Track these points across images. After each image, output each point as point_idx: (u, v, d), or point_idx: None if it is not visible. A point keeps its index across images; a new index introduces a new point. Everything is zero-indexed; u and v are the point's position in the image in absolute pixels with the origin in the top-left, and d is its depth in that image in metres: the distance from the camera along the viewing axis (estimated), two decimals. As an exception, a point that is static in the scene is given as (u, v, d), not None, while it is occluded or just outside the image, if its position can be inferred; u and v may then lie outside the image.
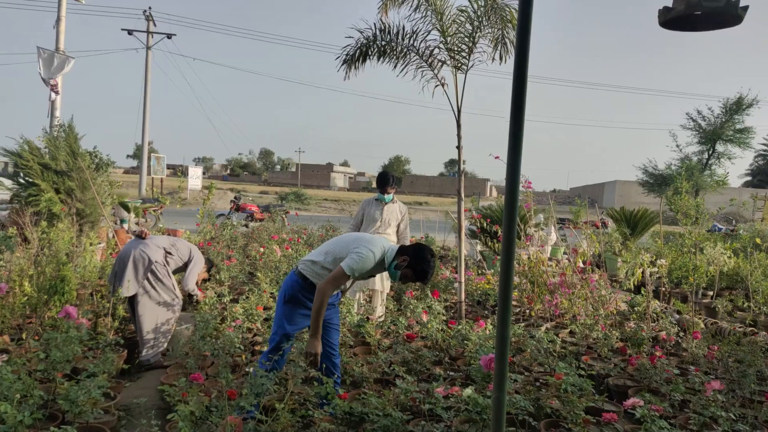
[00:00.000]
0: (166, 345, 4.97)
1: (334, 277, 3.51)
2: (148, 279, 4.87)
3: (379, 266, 3.65)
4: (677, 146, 39.13)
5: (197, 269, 5.30)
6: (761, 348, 4.94)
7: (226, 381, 3.36)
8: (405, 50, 6.18)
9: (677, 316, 6.68)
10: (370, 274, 3.75)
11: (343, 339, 4.77)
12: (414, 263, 3.56)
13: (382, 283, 6.04)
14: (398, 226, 6.14)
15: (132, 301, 4.90)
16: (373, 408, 3.28)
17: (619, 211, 12.86)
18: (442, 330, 5.22)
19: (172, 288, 5.00)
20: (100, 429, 3.34)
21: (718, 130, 36.88)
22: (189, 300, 5.52)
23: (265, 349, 3.95)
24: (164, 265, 5.00)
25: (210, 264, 5.82)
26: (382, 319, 5.86)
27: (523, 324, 5.97)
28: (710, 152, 38.08)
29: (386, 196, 6.02)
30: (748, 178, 61.76)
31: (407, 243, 6.09)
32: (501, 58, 6.16)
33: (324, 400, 3.54)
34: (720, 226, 20.01)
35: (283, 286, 3.81)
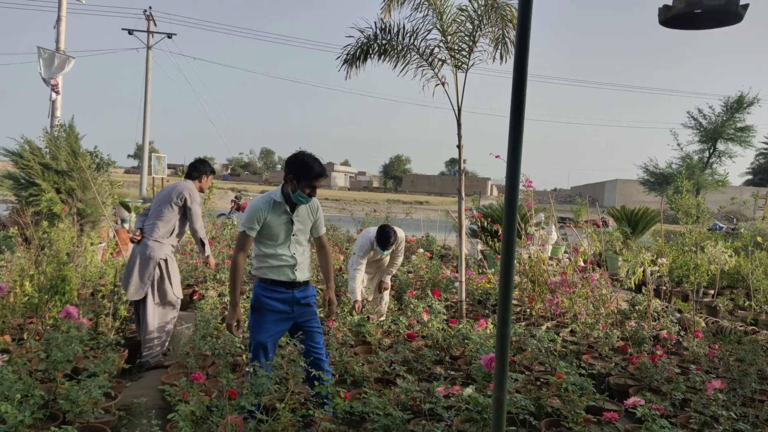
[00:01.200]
0: (167, 344, 4.98)
1: (237, 242, 3.69)
2: (153, 279, 4.87)
3: (278, 207, 3.62)
4: (678, 145, 39.08)
5: (197, 208, 5.06)
6: (762, 347, 4.94)
7: (226, 381, 3.35)
8: (405, 49, 6.18)
9: (678, 315, 6.68)
10: (283, 223, 3.65)
11: (343, 338, 4.77)
12: (298, 174, 3.56)
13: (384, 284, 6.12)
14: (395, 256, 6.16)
15: (137, 301, 4.90)
16: (374, 407, 3.28)
17: (620, 210, 12.84)
18: (442, 329, 5.21)
19: (177, 285, 5.02)
20: (101, 429, 3.34)
21: (719, 129, 36.82)
22: (204, 263, 5.46)
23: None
24: (170, 260, 5.00)
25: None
26: (383, 319, 5.88)
27: (523, 323, 5.97)
28: (711, 151, 38.03)
29: (384, 251, 5.88)
30: (749, 177, 61.69)
31: (395, 267, 6.21)
32: (501, 58, 6.16)
33: (325, 400, 3.54)
34: (721, 225, 20.00)
35: (252, 293, 3.82)
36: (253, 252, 3.80)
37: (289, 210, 3.66)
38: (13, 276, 5.09)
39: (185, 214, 5.02)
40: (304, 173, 3.56)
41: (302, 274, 3.75)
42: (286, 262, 3.69)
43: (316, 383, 3.54)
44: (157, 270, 4.88)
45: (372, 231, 5.87)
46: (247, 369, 3.55)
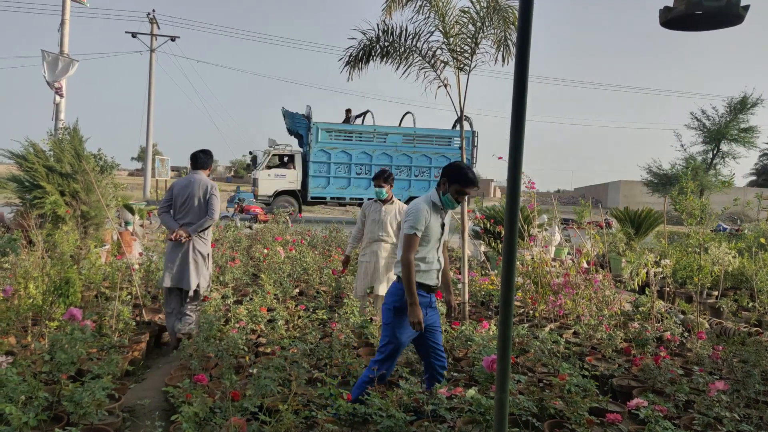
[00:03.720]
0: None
1: (403, 244, 3.67)
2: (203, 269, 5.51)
3: (436, 210, 3.77)
4: (682, 146, 38.95)
5: (217, 197, 5.56)
6: (766, 348, 4.91)
7: (230, 382, 3.36)
8: (408, 51, 6.19)
9: (682, 317, 6.66)
10: (438, 226, 3.81)
11: (346, 340, 4.78)
12: (452, 178, 3.68)
13: (386, 285, 6.04)
14: (399, 228, 6.08)
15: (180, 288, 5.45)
16: (377, 409, 3.29)
17: (623, 211, 12.80)
18: (445, 331, 5.21)
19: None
20: (105, 430, 3.35)
21: (723, 130, 36.70)
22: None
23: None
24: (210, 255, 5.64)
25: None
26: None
27: (526, 325, 5.96)
28: (715, 152, 37.91)
29: (380, 190, 5.85)
30: (753, 178, 61.50)
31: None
32: (504, 60, 6.17)
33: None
34: (725, 226, 19.93)
35: (388, 296, 3.92)
36: (396, 267, 3.87)
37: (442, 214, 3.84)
38: (18, 278, 5.11)
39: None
40: (458, 177, 3.69)
41: (440, 279, 3.97)
42: (434, 266, 3.86)
43: (319, 384, 3.55)
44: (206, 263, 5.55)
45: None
46: (373, 368, 3.73)
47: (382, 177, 5.87)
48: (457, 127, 21.47)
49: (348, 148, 21.12)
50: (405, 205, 6.13)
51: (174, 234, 5.33)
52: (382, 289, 6.02)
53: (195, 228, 5.38)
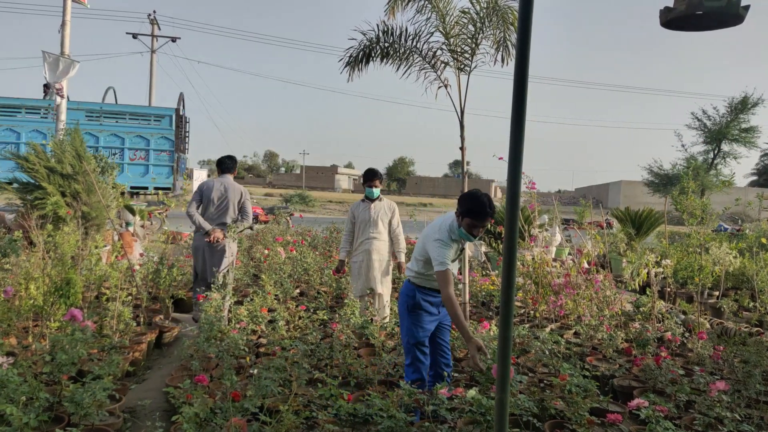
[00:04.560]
0: None
1: (441, 281, 3.62)
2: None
3: (456, 241, 3.74)
4: (682, 146, 39.04)
5: (250, 201, 6.44)
6: (767, 348, 4.91)
7: (230, 383, 3.36)
8: (408, 52, 6.19)
9: (682, 317, 6.66)
10: (457, 255, 3.83)
11: (347, 340, 4.78)
12: (466, 211, 3.59)
13: (383, 285, 6.05)
14: (390, 224, 6.09)
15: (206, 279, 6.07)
16: (377, 409, 3.28)
17: (624, 212, 12.81)
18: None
19: None
20: (105, 431, 3.36)
21: (724, 130, 36.72)
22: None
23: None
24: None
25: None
26: (387, 320, 5.86)
27: (527, 325, 5.95)
28: (716, 152, 37.92)
29: (374, 189, 5.96)
30: (754, 178, 61.48)
31: (401, 242, 6.11)
32: (503, 60, 6.17)
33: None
34: (726, 226, 19.94)
35: (402, 297, 3.95)
36: (415, 266, 3.91)
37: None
38: (19, 279, 5.11)
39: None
40: (469, 210, 3.60)
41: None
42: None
43: (319, 385, 3.56)
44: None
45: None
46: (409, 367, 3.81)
47: (377, 177, 5.93)
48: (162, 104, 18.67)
49: (15, 125, 17.05)
50: (392, 202, 6.16)
51: (212, 236, 5.96)
52: (380, 287, 6.03)
53: (234, 229, 6.04)
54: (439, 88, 6.24)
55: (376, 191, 5.99)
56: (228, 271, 6.08)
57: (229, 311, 5.82)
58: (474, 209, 3.57)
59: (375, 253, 5.97)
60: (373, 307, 5.91)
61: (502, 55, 6.15)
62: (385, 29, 6.09)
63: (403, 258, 6.15)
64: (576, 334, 5.94)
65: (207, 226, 6.01)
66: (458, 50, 6.06)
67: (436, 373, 3.96)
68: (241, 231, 6.12)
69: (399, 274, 6.22)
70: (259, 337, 5.32)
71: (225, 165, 6.34)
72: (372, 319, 5.61)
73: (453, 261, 3.77)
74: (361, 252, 6.01)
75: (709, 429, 3.47)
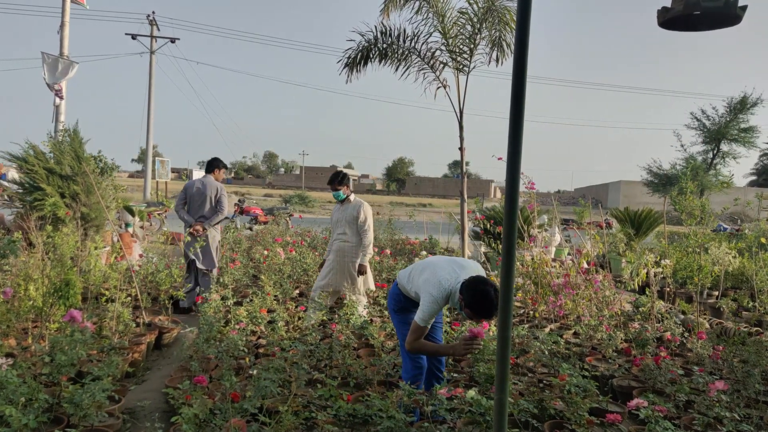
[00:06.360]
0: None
1: (412, 331, 3.53)
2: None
3: (449, 306, 3.62)
4: (682, 146, 39.03)
5: (226, 196, 7.18)
6: (766, 348, 4.91)
7: (229, 384, 3.36)
8: (406, 52, 6.20)
9: (682, 317, 6.66)
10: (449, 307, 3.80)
11: (346, 341, 4.78)
12: (470, 303, 3.31)
13: (348, 284, 6.06)
14: (357, 224, 6.06)
15: (198, 268, 6.92)
16: (377, 410, 3.29)
17: (624, 212, 12.81)
18: (445, 332, 5.21)
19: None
20: (105, 432, 3.35)
21: (723, 130, 36.73)
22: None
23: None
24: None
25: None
26: (363, 318, 5.66)
27: (527, 325, 5.96)
28: (715, 152, 37.94)
29: (338, 192, 6.05)
30: (753, 178, 61.51)
31: (364, 241, 6.04)
32: (497, 60, 6.17)
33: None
34: (725, 226, 19.93)
35: (390, 298, 3.97)
36: (407, 283, 3.84)
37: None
38: (18, 280, 5.11)
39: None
40: (476, 310, 3.31)
41: None
42: None
43: (319, 385, 3.56)
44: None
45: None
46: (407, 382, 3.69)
47: (336, 180, 6.03)
48: None
49: None
50: (365, 203, 6.15)
51: (193, 228, 6.77)
52: (344, 289, 6.09)
53: (210, 221, 6.85)
54: (438, 88, 6.25)
55: (340, 194, 6.06)
56: (216, 249, 7.12)
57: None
58: (479, 311, 3.31)
59: (339, 254, 6.06)
60: (328, 305, 5.95)
61: (497, 55, 6.16)
62: (383, 30, 6.10)
63: (365, 261, 6.06)
64: (575, 334, 5.94)
65: (189, 220, 6.89)
66: (457, 50, 6.07)
67: (430, 373, 3.94)
68: (216, 222, 6.94)
69: (358, 276, 6.09)
70: (259, 337, 5.32)
71: (208, 166, 7.28)
72: (371, 320, 5.60)
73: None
74: (331, 252, 6.16)
75: (709, 429, 3.47)
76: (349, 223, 6.04)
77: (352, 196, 6.19)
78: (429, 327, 3.59)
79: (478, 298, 3.26)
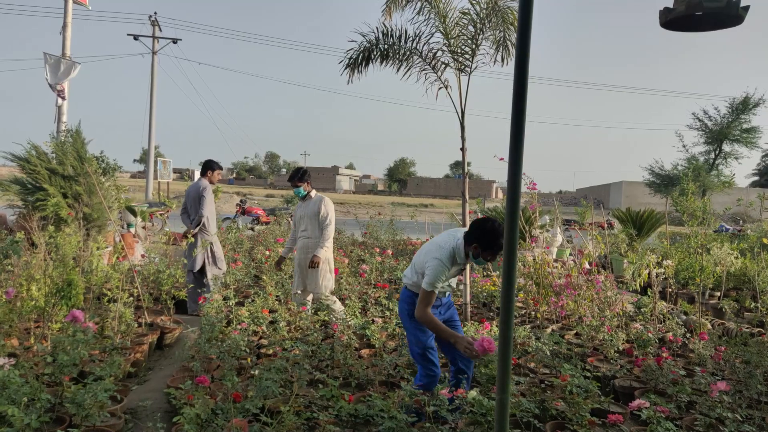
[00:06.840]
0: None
1: (422, 299, 3.61)
2: (209, 256, 7.10)
3: (458, 264, 3.71)
4: (684, 146, 38.95)
5: (209, 195, 7.12)
6: (768, 349, 4.90)
7: (231, 384, 3.37)
8: (408, 53, 6.20)
9: (684, 317, 6.65)
10: (456, 273, 3.83)
11: (348, 341, 4.78)
12: (484, 243, 3.51)
13: (313, 282, 6.00)
14: (319, 219, 5.98)
15: (202, 272, 7.02)
16: (378, 410, 3.29)
17: (625, 212, 12.80)
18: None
19: (221, 259, 7.29)
20: (107, 432, 3.36)
21: (725, 130, 36.64)
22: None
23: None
24: (215, 243, 7.21)
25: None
26: (340, 317, 5.47)
27: (528, 326, 5.95)
28: (717, 152, 37.85)
29: (296, 189, 6.06)
30: (756, 178, 61.41)
31: (326, 234, 5.91)
32: (502, 60, 6.17)
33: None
34: (727, 227, 19.91)
35: (401, 303, 3.94)
36: (412, 275, 3.88)
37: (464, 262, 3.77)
38: (20, 280, 5.12)
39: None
40: (492, 245, 3.50)
41: (453, 285, 4.04)
42: (444, 290, 3.88)
43: (321, 386, 3.56)
44: (209, 251, 7.07)
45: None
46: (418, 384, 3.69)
47: (297, 176, 6.02)
48: None
49: None
50: (327, 198, 6.10)
51: (185, 231, 6.93)
52: (310, 286, 6.05)
53: (192, 225, 6.90)
54: (440, 89, 6.24)
55: (300, 190, 6.04)
56: (209, 250, 7.11)
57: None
58: (497, 245, 3.48)
59: (302, 252, 6.05)
60: (310, 303, 5.96)
61: (502, 55, 6.16)
62: (385, 31, 6.09)
63: (320, 253, 5.87)
64: (577, 334, 5.94)
65: (187, 224, 7.07)
66: (459, 51, 6.06)
67: (458, 369, 3.92)
68: (196, 224, 6.92)
69: (309, 268, 5.95)
70: (261, 338, 5.33)
71: (202, 169, 7.32)
72: (373, 320, 5.60)
73: (447, 280, 3.75)
74: (297, 249, 6.15)
75: (711, 430, 3.47)
76: (311, 219, 5.98)
77: (313, 192, 6.15)
78: (436, 292, 3.63)
79: (487, 230, 3.48)
